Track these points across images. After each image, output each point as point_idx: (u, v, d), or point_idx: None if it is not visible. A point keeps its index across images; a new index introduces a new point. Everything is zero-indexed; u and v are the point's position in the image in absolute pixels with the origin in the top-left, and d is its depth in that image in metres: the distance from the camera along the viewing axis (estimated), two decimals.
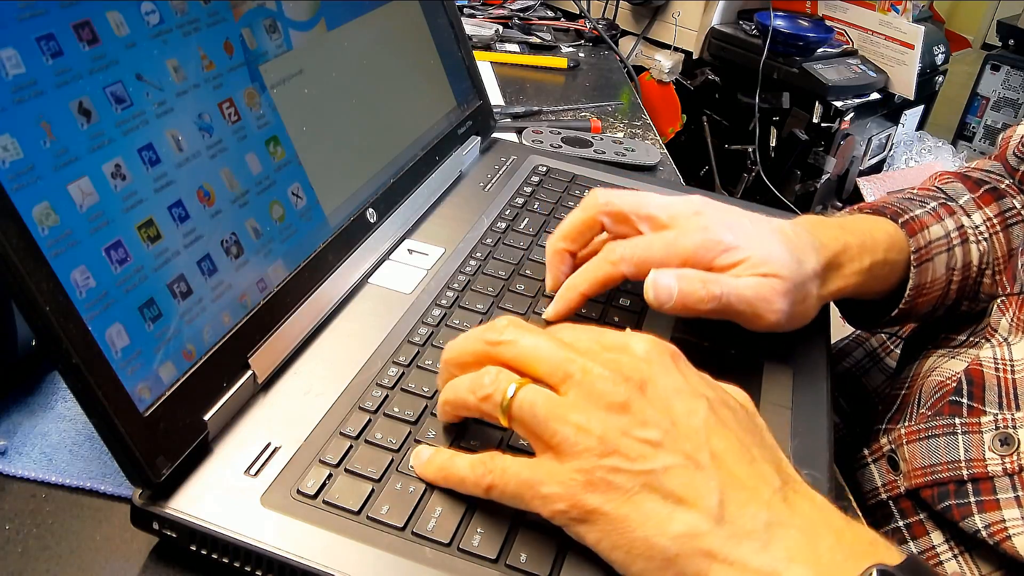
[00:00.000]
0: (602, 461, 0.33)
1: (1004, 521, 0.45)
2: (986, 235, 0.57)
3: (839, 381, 0.69)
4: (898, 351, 0.67)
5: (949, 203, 0.58)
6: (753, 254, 0.47)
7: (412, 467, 0.39)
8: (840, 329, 0.64)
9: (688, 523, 0.32)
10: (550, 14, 1.30)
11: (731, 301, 0.46)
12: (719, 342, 0.51)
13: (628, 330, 0.38)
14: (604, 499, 0.33)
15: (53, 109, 0.34)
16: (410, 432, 0.41)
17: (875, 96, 1.70)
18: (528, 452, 0.37)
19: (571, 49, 1.18)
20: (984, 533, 0.46)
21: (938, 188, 0.61)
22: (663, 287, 0.45)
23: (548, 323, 0.49)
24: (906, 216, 0.55)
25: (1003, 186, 0.59)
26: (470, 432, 0.41)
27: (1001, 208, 0.58)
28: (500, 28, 1.17)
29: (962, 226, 0.57)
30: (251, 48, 0.46)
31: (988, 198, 0.59)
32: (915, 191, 0.61)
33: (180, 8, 0.41)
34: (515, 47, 1.13)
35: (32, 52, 0.34)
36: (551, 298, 0.50)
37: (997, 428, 0.48)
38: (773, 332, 0.48)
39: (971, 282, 0.57)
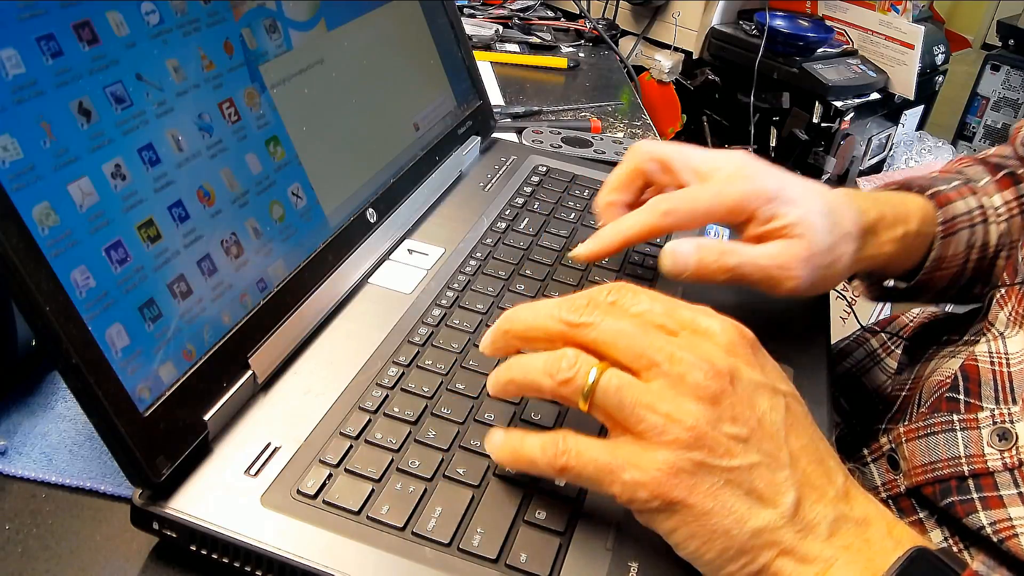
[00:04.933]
0: (690, 454, 0.33)
1: (1010, 519, 0.45)
2: (1005, 217, 0.58)
3: (840, 381, 0.69)
4: (899, 352, 0.67)
5: (970, 183, 0.59)
6: (792, 210, 0.47)
7: (488, 451, 0.38)
8: (840, 329, 0.64)
9: (766, 519, 0.33)
10: (550, 14, 1.30)
11: (747, 272, 0.47)
12: None
13: (700, 307, 0.37)
14: (689, 491, 0.33)
15: (53, 109, 0.34)
16: (410, 432, 0.41)
17: (875, 96, 1.70)
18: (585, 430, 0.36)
19: (571, 49, 1.17)
20: (989, 530, 0.46)
21: (959, 171, 0.62)
22: (681, 256, 0.46)
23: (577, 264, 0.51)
24: (933, 189, 0.57)
25: (1020, 171, 0.60)
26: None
27: (1019, 192, 0.59)
28: (500, 28, 1.16)
29: (982, 206, 0.58)
30: (251, 48, 0.46)
31: (1007, 182, 0.60)
32: (937, 173, 0.62)
33: (180, 8, 0.41)
34: (515, 47, 1.13)
35: (32, 52, 0.34)
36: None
37: (994, 423, 0.48)
38: (797, 296, 0.49)
39: (987, 263, 0.58)
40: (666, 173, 0.51)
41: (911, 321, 0.70)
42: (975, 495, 0.47)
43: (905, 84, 1.69)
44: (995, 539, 0.45)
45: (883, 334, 0.70)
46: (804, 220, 0.47)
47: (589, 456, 0.34)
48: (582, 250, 0.50)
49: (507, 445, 0.37)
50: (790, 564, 0.33)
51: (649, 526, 0.35)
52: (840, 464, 0.37)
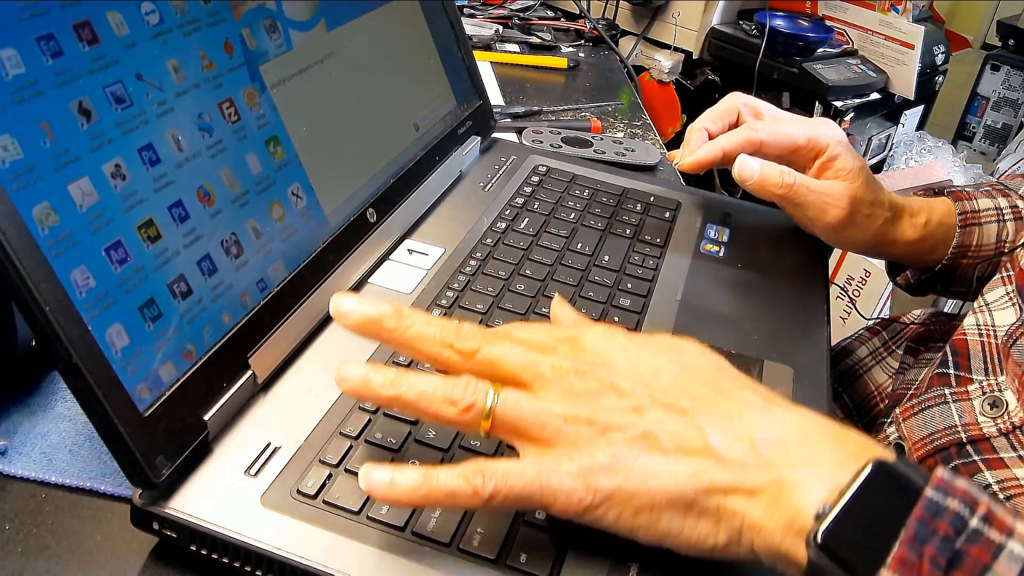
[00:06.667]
0: (600, 439, 0.34)
1: (1017, 479, 0.47)
2: None
3: (842, 378, 0.70)
4: (900, 351, 0.68)
5: (1006, 189, 0.64)
6: (852, 159, 0.57)
7: (370, 493, 0.34)
8: (840, 329, 0.65)
9: (691, 465, 0.33)
10: (550, 14, 1.30)
11: (800, 192, 0.56)
12: (719, 342, 0.51)
13: (579, 324, 0.41)
14: (616, 477, 0.33)
15: (53, 109, 0.34)
16: (410, 432, 0.41)
17: (875, 96, 1.70)
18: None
19: (571, 49, 1.17)
20: (996, 488, 0.47)
21: (1000, 183, 0.66)
22: (748, 167, 0.56)
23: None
24: (951, 188, 0.63)
25: None
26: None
27: None
28: (500, 28, 1.16)
29: (1016, 206, 0.63)
30: (251, 48, 0.46)
31: None
32: (976, 185, 0.67)
33: (180, 8, 0.41)
34: (515, 47, 1.13)
35: (32, 52, 0.34)
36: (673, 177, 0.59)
37: (984, 393, 0.50)
38: (828, 240, 0.59)
39: None
40: (755, 117, 0.61)
41: (912, 321, 0.70)
42: (976, 458, 0.49)
43: (905, 84, 1.69)
44: (1002, 496, 0.46)
45: (885, 333, 0.70)
46: (858, 171, 0.56)
47: (515, 474, 0.34)
48: (688, 160, 0.58)
49: (407, 482, 0.34)
50: (741, 500, 0.33)
51: (595, 524, 0.34)
52: (759, 389, 0.37)
